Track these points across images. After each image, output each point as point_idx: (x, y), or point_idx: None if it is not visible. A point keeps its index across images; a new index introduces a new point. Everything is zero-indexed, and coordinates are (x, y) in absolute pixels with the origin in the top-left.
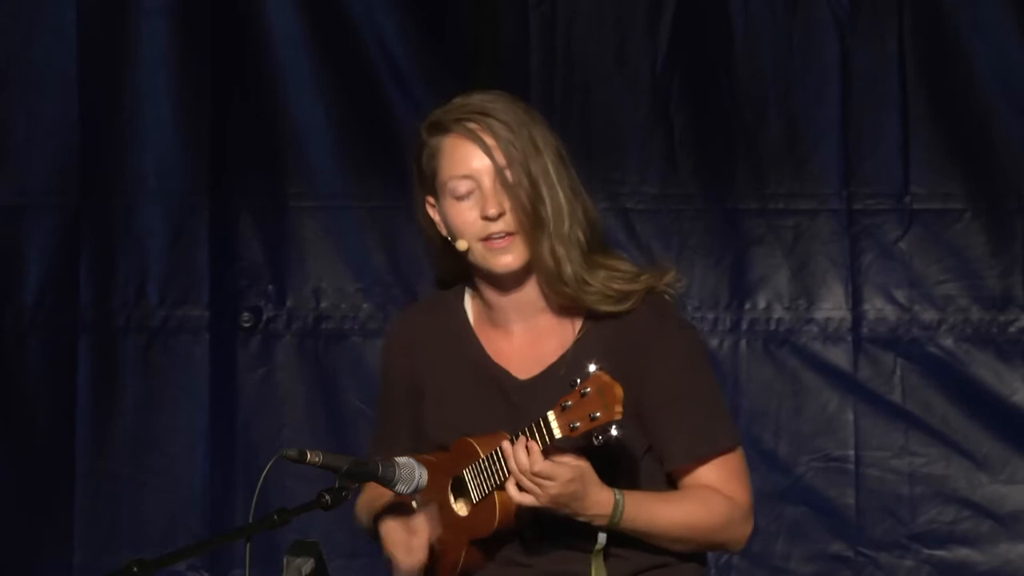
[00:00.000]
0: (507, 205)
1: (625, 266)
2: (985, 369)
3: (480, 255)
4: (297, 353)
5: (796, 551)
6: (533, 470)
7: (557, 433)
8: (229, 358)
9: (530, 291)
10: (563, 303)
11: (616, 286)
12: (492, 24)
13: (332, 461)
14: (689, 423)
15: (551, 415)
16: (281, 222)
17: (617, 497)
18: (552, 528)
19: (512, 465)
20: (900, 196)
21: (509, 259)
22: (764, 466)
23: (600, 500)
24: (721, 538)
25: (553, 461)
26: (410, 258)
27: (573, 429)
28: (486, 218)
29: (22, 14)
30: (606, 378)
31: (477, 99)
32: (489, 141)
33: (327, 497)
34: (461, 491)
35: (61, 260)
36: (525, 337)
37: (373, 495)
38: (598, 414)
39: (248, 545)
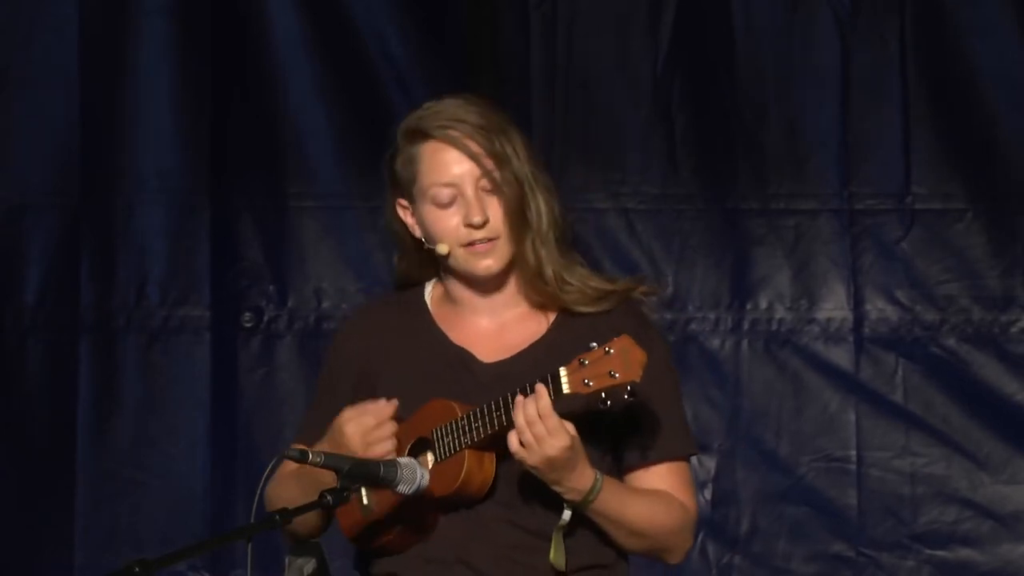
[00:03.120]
0: (491, 211)
1: (597, 274)
2: (987, 369)
3: (463, 259)
4: (298, 353)
5: (797, 551)
6: (545, 415)
7: (566, 388)
8: (230, 358)
9: (504, 292)
10: (539, 301)
11: (593, 283)
12: (492, 24)
13: (333, 461)
14: (655, 425)
15: (563, 371)
16: (282, 222)
17: (597, 476)
18: (511, 507)
19: (520, 416)
20: (901, 196)
21: (491, 262)
22: (765, 466)
23: (584, 474)
24: (672, 542)
25: (560, 421)
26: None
27: (586, 385)
28: (470, 225)
29: (22, 14)
30: (631, 342)
31: (452, 105)
32: (473, 147)
33: (329, 497)
34: (422, 451)
35: (62, 260)
36: (489, 328)
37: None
38: (617, 373)
39: (249, 545)
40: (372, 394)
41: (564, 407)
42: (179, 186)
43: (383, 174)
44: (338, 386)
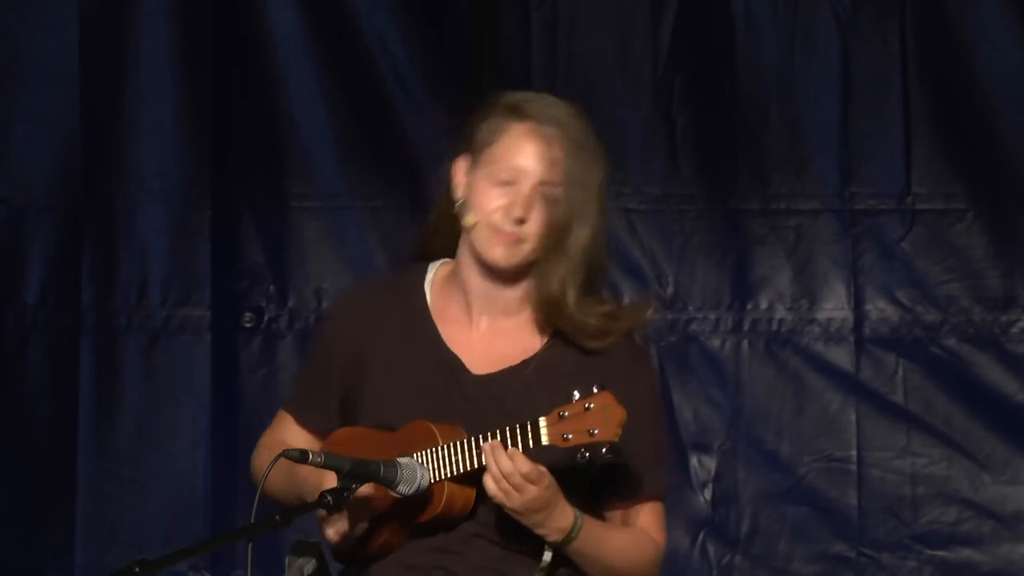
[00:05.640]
0: (534, 216)
1: (607, 307)
2: (987, 370)
3: (483, 237)
4: (299, 353)
5: (798, 552)
6: (522, 471)
7: (545, 440)
8: (231, 358)
9: (511, 295)
10: (540, 320)
11: (593, 322)
12: (493, 25)
13: (334, 461)
14: (634, 466)
15: (543, 421)
16: (283, 222)
17: (577, 516)
18: (491, 524)
19: (493, 466)
20: (902, 196)
21: (502, 254)
22: (766, 467)
23: (564, 515)
24: None
25: (535, 466)
26: (412, 258)
27: (565, 439)
28: (507, 215)
29: (22, 14)
30: (612, 399)
31: (561, 107)
32: (555, 153)
33: (329, 497)
34: None
35: (63, 260)
36: (485, 333)
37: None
38: (596, 431)
39: (250, 545)
40: (360, 382)
41: (542, 457)
42: (179, 186)
43: (460, 127)
44: (326, 369)
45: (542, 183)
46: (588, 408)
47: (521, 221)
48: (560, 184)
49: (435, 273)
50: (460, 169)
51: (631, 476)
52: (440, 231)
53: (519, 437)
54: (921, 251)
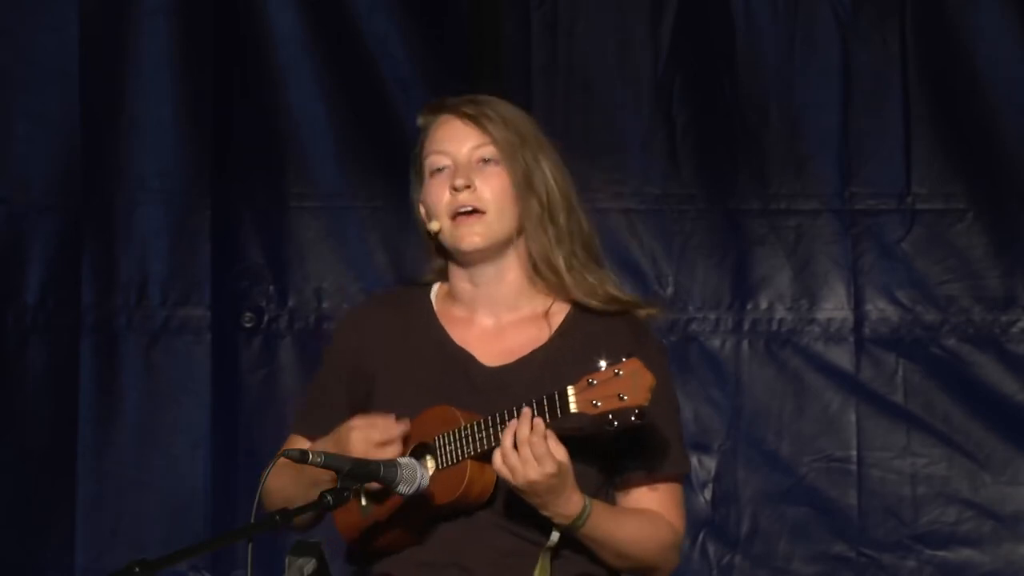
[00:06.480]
0: (480, 180)
1: (612, 280)
2: (987, 370)
3: (449, 234)
4: (299, 354)
5: (798, 552)
6: (531, 441)
7: (573, 408)
8: (231, 358)
9: (504, 292)
10: (543, 299)
11: (606, 287)
12: (493, 25)
13: (334, 461)
14: (651, 445)
15: (571, 389)
16: (283, 222)
17: (586, 503)
18: (507, 514)
19: (507, 437)
20: (902, 196)
21: (475, 238)
22: (766, 467)
23: (571, 501)
24: (658, 561)
25: (549, 448)
26: (412, 258)
27: (595, 406)
28: (454, 189)
29: (22, 14)
30: (640, 365)
31: (475, 95)
32: (478, 121)
33: (329, 498)
34: (423, 457)
35: (63, 260)
36: (492, 329)
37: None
38: (626, 396)
39: (250, 545)
40: (368, 393)
41: (570, 424)
42: (179, 186)
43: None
44: (332, 384)
45: (472, 148)
46: (617, 374)
47: (468, 187)
48: (495, 142)
49: (438, 288)
50: (420, 206)
51: (651, 452)
52: (434, 266)
53: (546, 407)
54: (921, 251)
